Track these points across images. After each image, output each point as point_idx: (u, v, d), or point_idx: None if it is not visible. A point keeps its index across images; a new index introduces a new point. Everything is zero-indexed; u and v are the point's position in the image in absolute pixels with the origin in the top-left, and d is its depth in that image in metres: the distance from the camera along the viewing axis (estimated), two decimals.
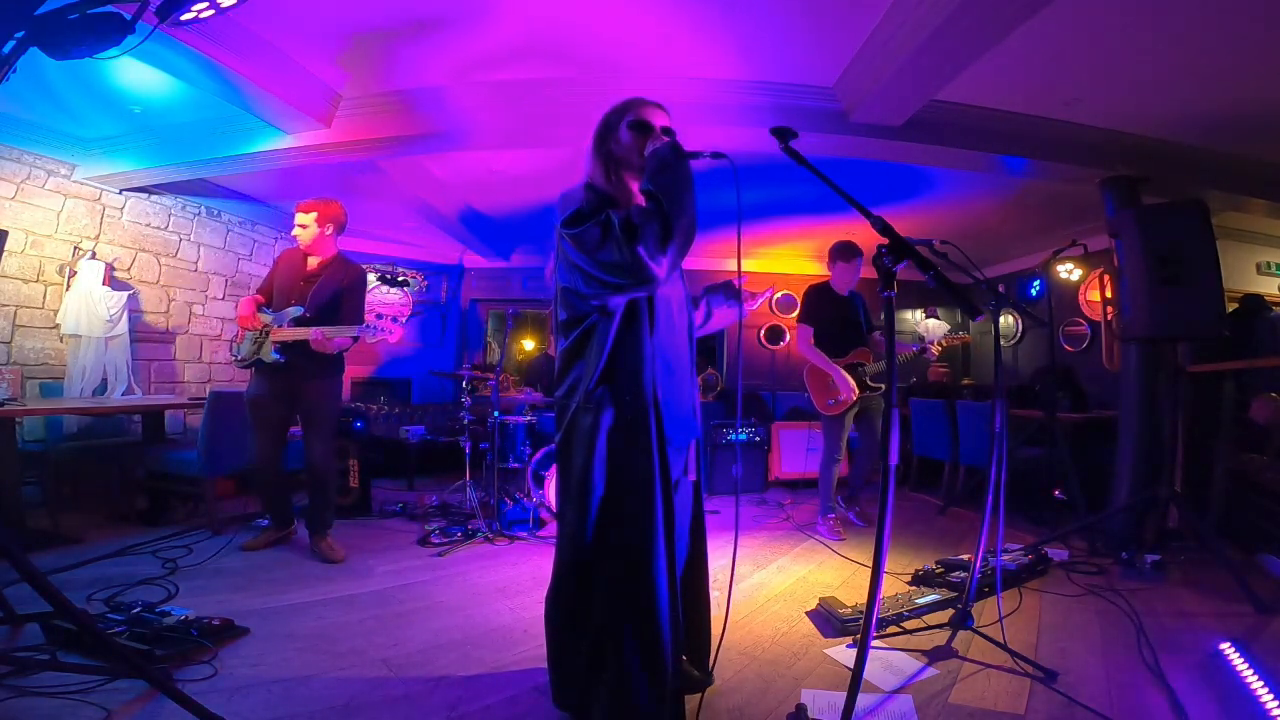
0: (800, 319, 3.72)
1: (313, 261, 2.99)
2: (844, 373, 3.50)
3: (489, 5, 2.68)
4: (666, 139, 1.50)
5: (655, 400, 1.50)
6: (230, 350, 3.06)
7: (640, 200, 1.50)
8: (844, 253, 3.61)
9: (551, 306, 1.65)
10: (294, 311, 2.88)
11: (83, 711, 1.57)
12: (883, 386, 3.59)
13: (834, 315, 3.62)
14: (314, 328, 2.78)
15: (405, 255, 6.74)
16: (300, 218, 2.93)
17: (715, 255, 6.90)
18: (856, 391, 3.48)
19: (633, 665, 1.43)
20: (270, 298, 3.02)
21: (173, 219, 4.86)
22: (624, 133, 1.58)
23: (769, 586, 2.78)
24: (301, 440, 3.03)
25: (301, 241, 2.96)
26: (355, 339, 2.76)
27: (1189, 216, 2.90)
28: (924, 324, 7.29)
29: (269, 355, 2.86)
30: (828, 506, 3.68)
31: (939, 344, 3.63)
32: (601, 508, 1.49)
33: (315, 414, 2.97)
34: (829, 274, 3.76)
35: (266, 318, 2.91)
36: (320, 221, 2.94)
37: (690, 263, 1.72)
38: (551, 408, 4.43)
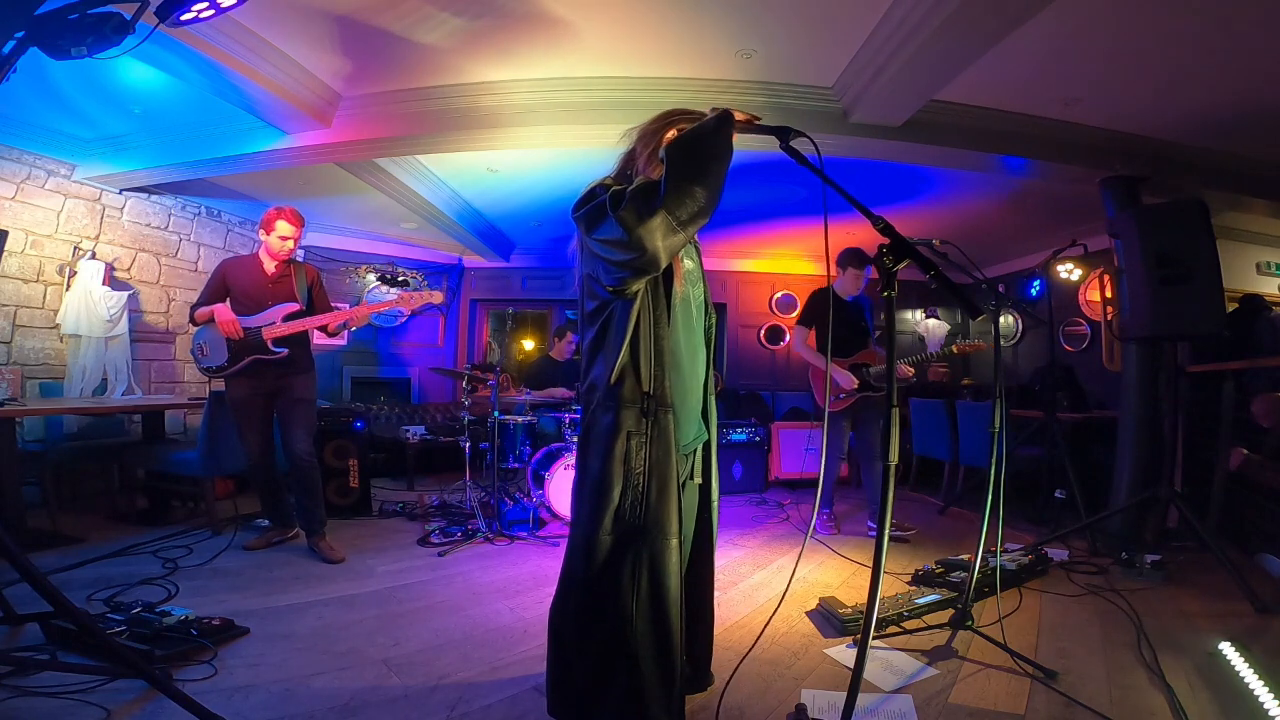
0: (799, 320, 3.77)
1: (270, 266, 3.05)
2: (837, 367, 3.55)
3: (490, 7, 2.67)
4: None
5: (671, 402, 1.48)
6: (198, 361, 3.05)
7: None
8: (855, 259, 3.62)
9: (577, 298, 1.62)
10: (286, 308, 2.99)
11: (83, 711, 1.57)
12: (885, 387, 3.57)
13: (837, 319, 3.61)
14: (344, 311, 3.08)
15: (405, 255, 6.74)
16: (291, 229, 2.99)
17: (714, 255, 6.91)
18: (855, 382, 3.53)
19: (649, 672, 1.41)
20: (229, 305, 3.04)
21: (173, 219, 4.86)
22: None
23: (769, 586, 2.78)
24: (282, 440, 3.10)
25: (286, 251, 3.01)
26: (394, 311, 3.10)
27: (1189, 216, 2.90)
28: (924, 324, 7.29)
29: (272, 351, 2.94)
30: (824, 501, 3.76)
31: (957, 347, 3.61)
32: (617, 511, 1.45)
33: (299, 408, 3.04)
34: (834, 276, 3.75)
35: (246, 322, 2.97)
36: (300, 234, 3.07)
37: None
38: (552, 408, 4.47)
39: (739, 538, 3.59)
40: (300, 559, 2.98)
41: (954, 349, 3.60)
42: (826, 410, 1.60)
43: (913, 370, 3.62)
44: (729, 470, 4.85)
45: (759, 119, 1.42)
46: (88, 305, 4.06)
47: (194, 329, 3.07)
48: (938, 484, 4.78)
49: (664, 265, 1.38)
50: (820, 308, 3.69)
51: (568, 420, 4.11)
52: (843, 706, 1.27)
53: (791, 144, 1.45)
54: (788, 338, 7.02)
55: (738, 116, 1.39)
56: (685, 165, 1.32)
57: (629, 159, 1.61)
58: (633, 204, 1.32)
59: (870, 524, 3.78)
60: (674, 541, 1.45)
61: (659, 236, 1.32)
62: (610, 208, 1.34)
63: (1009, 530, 2.92)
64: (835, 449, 3.78)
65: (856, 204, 1.36)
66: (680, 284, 1.58)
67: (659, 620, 1.43)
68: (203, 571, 2.75)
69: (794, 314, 7.08)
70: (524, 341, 7.97)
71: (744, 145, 1.39)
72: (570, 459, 3.61)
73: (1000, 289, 2.45)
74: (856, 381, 3.53)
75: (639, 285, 1.44)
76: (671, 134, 1.54)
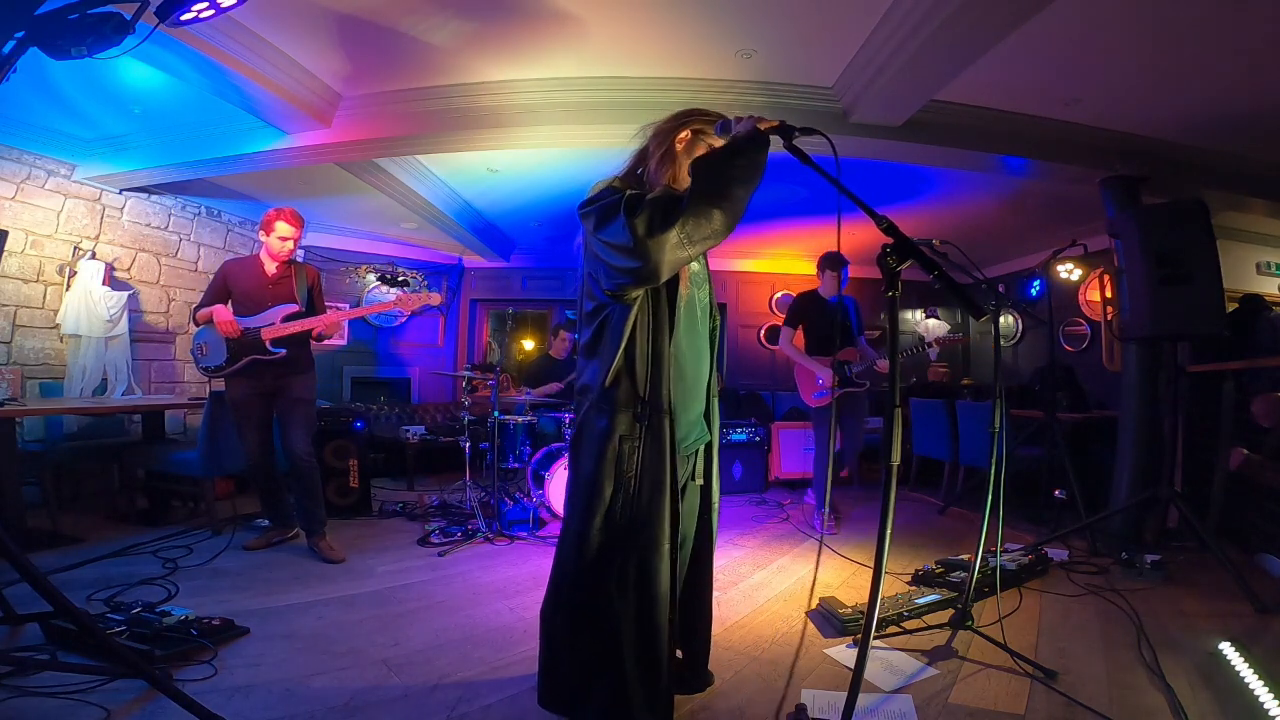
0: (785, 321, 3.94)
1: (271, 267, 3.05)
2: (816, 363, 3.75)
3: (499, 5, 2.67)
4: (749, 121, 1.38)
5: (669, 405, 1.47)
6: (197, 361, 3.07)
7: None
8: (832, 263, 3.82)
9: (578, 296, 1.61)
10: (285, 309, 2.99)
11: (83, 711, 1.57)
12: (866, 384, 3.79)
13: (821, 318, 3.81)
14: (339, 312, 3.17)
15: (405, 255, 6.74)
16: (290, 230, 2.99)
17: (715, 255, 6.90)
18: (835, 377, 3.70)
19: (632, 671, 1.42)
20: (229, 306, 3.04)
21: (173, 219, 4.86)
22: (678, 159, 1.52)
23: (769, 586, 2.78)
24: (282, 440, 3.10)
25: (285, 252, 3.02)
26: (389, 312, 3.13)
27: (1189, 216, 2.90)
28: (924, 324, 7.30)
29: (270, 352, 2.93)
30: (822, 501, 3.87)
31: (937, 342, 3.91)
32: (608, 511, 1.46)
33: (298, 408, 3.04)
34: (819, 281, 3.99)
35: (245, 323, 2.97)
36: (299, 234, 3.07)
37: None
38: (552, 408, 4.47)
39: (739, 538, 3.59)
40: (300, 559, 2.98)
41: (934, 342, 3.84)
42: (822, 413, 1.61)
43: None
44: (729, 470, 4.85)
45: (783, 122, 1.38)
46: (88, 305, 4.05)
47: (195, 329, 3.08)
48: (938, 484, 4.78)
49: (664, 279, 1.39)
50: (805, 309, 3.88)
51: (567, 420, 4.11)
52: (843, 706, 1.27)
53: (794, 143, 1.43)
54: None
55: (760, 126, 1.35)
56: (708, 185, 1.32)
57: (641, 157, 1.59)
58: (648, 213, 1.31)
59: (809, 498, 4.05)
60: (665, 547, 1.45)
61: (666, 250, 1.30)
62: (624, 212, 1.32)
63: (1009, 530, 2.91)
64: (824, 446, 3.86)
65: (861, 204, 1.35)
66: (685, 287, 1.57)
67: (646, 623, 1.44)
68: (203, 571, 2.75)
69: None
70: (524, 341, 7.97)
71: None
72: None
73: (1000, 289, 2.45)
74: (836, 378, 3.70)
75: (638, 293, 1.44)
76: (685, 134, 1.53)
